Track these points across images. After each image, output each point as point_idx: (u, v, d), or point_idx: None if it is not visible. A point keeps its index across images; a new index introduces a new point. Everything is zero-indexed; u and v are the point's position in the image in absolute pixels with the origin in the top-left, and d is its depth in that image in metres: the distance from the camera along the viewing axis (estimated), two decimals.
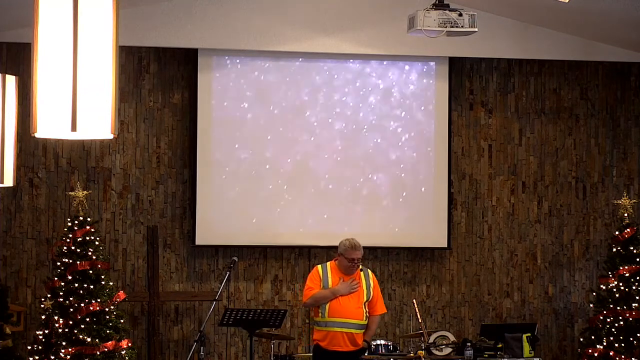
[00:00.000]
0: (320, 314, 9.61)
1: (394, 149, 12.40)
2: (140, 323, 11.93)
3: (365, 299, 9.63)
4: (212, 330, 12.05)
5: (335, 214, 12.26)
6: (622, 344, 11.38)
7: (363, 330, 9.64)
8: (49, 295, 10.63)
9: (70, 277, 10.55)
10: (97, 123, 3.98)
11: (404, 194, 12.40)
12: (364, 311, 9.61)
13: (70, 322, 10.45)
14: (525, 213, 12.76)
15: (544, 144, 12.82)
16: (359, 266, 9.67)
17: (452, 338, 11.23)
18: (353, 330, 9.57)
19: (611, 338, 11.41)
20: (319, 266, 9.85)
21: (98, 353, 10.39)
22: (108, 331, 10.50)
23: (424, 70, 12.47)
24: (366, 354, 9.67)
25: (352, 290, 9.59)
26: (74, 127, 3.94)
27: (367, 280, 9.72)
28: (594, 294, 11.92)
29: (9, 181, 6.02)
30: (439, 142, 12.48)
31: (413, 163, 12.43)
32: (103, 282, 10.61)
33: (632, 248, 11.62)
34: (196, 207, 11.99)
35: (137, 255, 12.03)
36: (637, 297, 11.47)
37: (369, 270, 9.91)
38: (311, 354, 10.01)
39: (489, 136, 12.76)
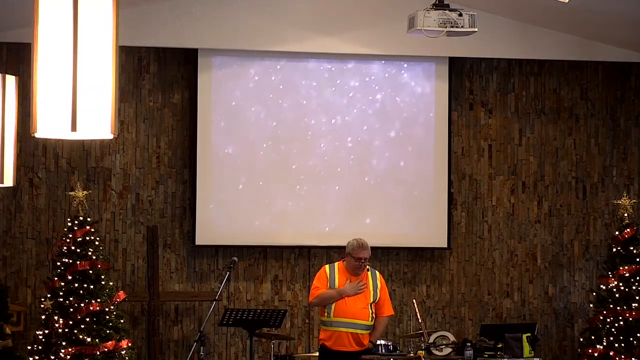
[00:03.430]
0: (326, 314, 9.62)
1: (394, 149, 12.40)
2: (140, 323, 11.93)
3: (371, 300, 9.61)
4: (212, 330, 12.05)
5: (335, 214, 12.26)
6: (622, 344, 11.38)
7: (369, 331, 9.62)
8: (49, 295, 10.63)
9: (70, 277, 10.55)
10: (97, 123, 3.98)
11: (404, 194, 12.39)
12: (370, 312, 9.59)
13: (70, 322, 10.45)
14: (525, 213, 12.76)
15: (544, 144, 12.82)
16: (366, 266, 9.65)
17: (452, 338, 11.22)
18: (358, 331, 9.56)
19: (611, 338, 11.41)
20: (327, 266, 9.84)
21: (98, 353, 10.39)
22: (108, 331, 10.49)
23: (424, 70, 12.47)
24: (368, 355, 9.66)
25: (359, 291, 9.57)
26: (74, 127, 3.93)
27: (375, 282, 9.70)
28: (594, 294, 11.92)
29: (9, 181, 6.01)
30: (439, 142, 12.48)
31: (413, 163, 12.43)
32: (103, 282, 10.61)
33: (632, 248, 11.62)
34: (196, 207, 11.99)
35: (137, 255, 12.03)
36: (637, 297, 11.47)
37: (377, 272, 9.89)
38: (311, 354, 10.00)
39: (489, 136, 12.76)
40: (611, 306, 11.51)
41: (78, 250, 10.59)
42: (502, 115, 12.79)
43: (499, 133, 12.78)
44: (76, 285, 10.52)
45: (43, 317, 10.61)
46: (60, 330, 10.43)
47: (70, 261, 10.57)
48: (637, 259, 11.58)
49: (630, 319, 11.43)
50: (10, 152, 5.98)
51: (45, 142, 11.80)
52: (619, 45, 12.50)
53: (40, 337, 10.56)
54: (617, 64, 12.87)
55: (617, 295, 11.52)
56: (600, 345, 11.45)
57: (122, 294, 10.84)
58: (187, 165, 12.15)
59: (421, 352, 10.01)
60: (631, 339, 11.39)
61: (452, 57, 12.49)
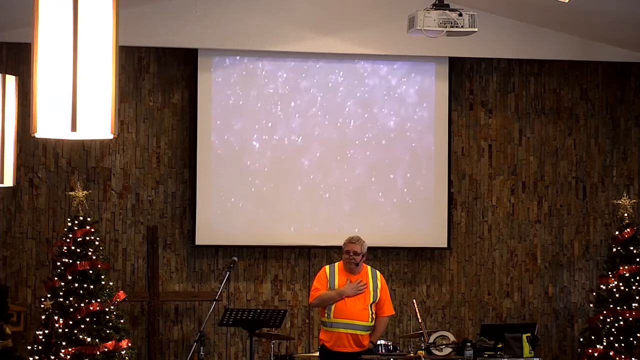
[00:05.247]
0: (326, 315, 9.62)
1: (394, 149, 12.40)
2: (140, 323, 11.93)
3: (371, 301, 9.60)
4: (212, 330, 12.05)
5: (335, 214, 12.26)
6: (622, 344, 11.38)
7: (369, 332, 9.61)
8: (49, 295, 10.63)
9: (70, 277, 10.55)
10: (97, 123, 3.98)
11: (404, 194, 12.39)
12: (370, 313, 9.58)
13: (70, 322, 10.45)
14: (525, 213, 12.76)
15: (544, 144, 12.82)
16: (356, 262, 9.63)
17: (452, 338, 11.22)
18: (358, 332, 9.55)
19: (611, 338, 11.41)
20: (327, 266, 9.84)
21: (98, 353, 10.39)
22: (108, 331, 10.50)
23: (424, 70, 12.47)
24: (368, 355, 9.65)
25: (359, 291, 9.56)
26: (74, 127, 3.93)
27: (375, 282, 9.69)
28: (594, 294, 11.93)
29: (9, 181, 6.01)
30: (439, 142, 12.48)
31: (413, 163, 12.43)
32: (103, 282, 10.61)
33: (632, 248, 11.62)
34: (196, 207, 11.99)
35: (137, 255, 12.03)
36: (637, 297, 11.47)
37: (377, 272, 9.87)
38: (311, 354, 10.00)
39: (489, 136, 12.76)
40: (611, 306, 11.51)
41: (78, 250, 10.59)
42: (502, 115, 12.79)
43: (499, 133, 12.78)
44: (76, 285, 10.52)
45: (43, 317, 10.61)
46: (60, 330, 10.43)
47: (70, 261, 10.57)
48: (637, 259, 11.58)
49: (630, 319, 11.43)
50: (10, 152, 5.98)
51: (45, 142, 11.80)
52: (619, 45, 12.50)
53: (40, 337, 10.56)
54: (617, 64, 12.87)
55: (617, 295, 11.52)
56: (600, 345, 11.45)
57: (122, 294, 10.84)
58: (187, 165, 12.15)
59: (421, 352, 10.01)
60: (631, 339, 11.39)
61: (452, 57, 12.49)
